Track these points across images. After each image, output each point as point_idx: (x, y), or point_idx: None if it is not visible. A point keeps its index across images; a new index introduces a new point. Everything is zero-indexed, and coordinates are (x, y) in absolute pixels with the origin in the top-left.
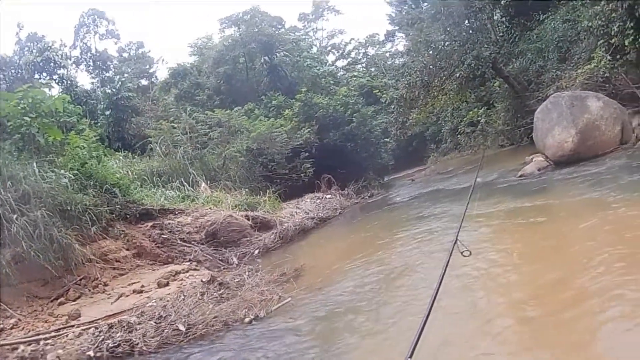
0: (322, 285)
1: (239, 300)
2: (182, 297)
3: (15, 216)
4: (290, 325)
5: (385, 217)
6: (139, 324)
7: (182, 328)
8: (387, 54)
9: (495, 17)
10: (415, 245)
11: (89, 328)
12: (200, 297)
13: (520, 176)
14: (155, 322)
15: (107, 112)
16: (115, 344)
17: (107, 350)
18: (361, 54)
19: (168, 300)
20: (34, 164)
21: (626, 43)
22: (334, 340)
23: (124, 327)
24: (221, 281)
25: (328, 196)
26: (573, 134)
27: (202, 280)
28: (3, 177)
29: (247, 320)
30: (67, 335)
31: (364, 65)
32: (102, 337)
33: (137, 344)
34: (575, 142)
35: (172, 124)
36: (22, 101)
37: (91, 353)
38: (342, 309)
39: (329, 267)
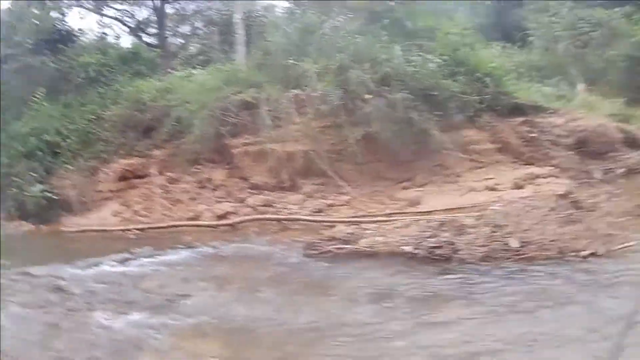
0: None
1: (585, 227)
2: (529, 208)
3: (370, 96)
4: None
5: None
6: (473, 227)
7: (514, 244)
8: None
9: None
10: None
11: (421, 220)
12: (547, 213)
13: None
14: (490, 230)
15: (488, 3)
16: (438, 245)
17: (426, 250)
18: None
19: (514, 207)
20: (398, 47)
21: None
22: None
23: (455, 227)
24: (575, 198)
25: None
26: None
27: (556, 193)
28: (362, 58)
29: (583, 254)
30: (394, 223)
31: None
32: (429, 233)
33: (461, 250)
34: None
35: (552, 18)
36: None
37: (408, 248)
38: None
39: None
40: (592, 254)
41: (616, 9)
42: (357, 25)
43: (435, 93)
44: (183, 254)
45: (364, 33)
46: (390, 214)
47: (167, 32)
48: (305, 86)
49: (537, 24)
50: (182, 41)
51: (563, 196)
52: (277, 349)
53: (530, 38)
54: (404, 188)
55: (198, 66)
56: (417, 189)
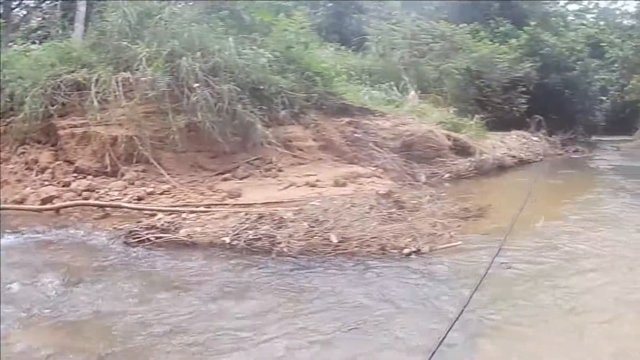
0: (502, 236)
1: (407, 226)
2: (349, 205)
3: (198, 85)
4: (443, 274)
5: (583, 183)
6: (292, 221)
7: (334, 239)
8: (617, 12)
9: None
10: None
11: (241, 212)
12: (367, 211)
13: None
14: (309, 225)
15: (330, 4)
16: (256, 237)
17: (245, 242)
18: (593, 4)
19: (334, 204)
20: (231, 39)
21: None
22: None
23: (275, 220)
24: (397, 198)
25: (535, 138)
26: None
27: (377, 192)
28: (194, 47)
29: (406, 251)
30: (214, 214)
31: (594, 16)
32: (247, 225)
33: (280, 243)
34: None
35: (393, 27)
36: None
37: (227, 239)
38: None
39: (511, 218)
40: (416, 252)
41: (462, 25)
42: (195, 13)
43: (263, 87)
44: (10, 238)
45: (201, 22)
46: (210, 204)
47: (14, 3)
48: (136, 70)
49: (377, 30)
50: (25, 13)
51: (384, 195)
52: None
53: (368, 43)
54: (225, 180)
55: (37, 41)
56: (238, 181)
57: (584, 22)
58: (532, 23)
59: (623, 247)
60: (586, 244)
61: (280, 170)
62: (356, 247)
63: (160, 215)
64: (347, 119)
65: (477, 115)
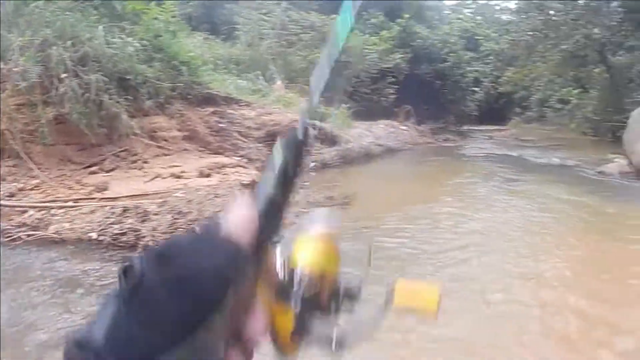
0: (366, 223)
1: None
2: (213, 196)
3: (66, 75)
4: None
5: (450, 170)
6: (156, 214)
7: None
8: (497, 8)
9: (612, 4)
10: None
11: (107, 206)
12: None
13: (600, 172)
14: (172, 217)
15: None
16: (122, 232)
17: (111, 237)
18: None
19: (198, 195)
20: (101, 27)
21: None
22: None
23: (139, 214)
24: None
25: (403, 128)
26: None
27: (241, 182)
28: (66, 35)
29: None
30: (81, 209)
31: (471, 11)
32: (112, 220)
33: (145, 237)
34: None
35: (263, 17)
36: None
37: (94, 235)
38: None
39: (379, 205)
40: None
41: (333, 16)
42: (69, 1)
43: (129, 77)
44: None
45: (75, 10)
46: (78, 199)
47: None
48: (9, 60)
49: (247, 20)
50: None
51: (247, 185)
52: None
53: (237, 32)
54: (92, 173)
55: None
56: (105, 174)
57: (461, 16)
58: (406, 15)
59: (494, 224)
60: (463, 224)
61: (145, 162)
62: None
63: (31, 212)
64: (212, 109)
65: (344, 105)
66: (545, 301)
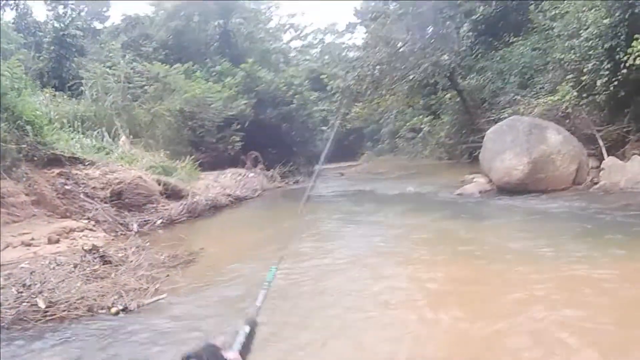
0: (212, 281)
1: (113, 282)
2: (55, 265)
3: None
4: (147, 333)
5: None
6: (3, 287)
7: (41, 305)
8: (343, 46)
9: (462, 29)
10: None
11: None
12: (72, 270)
13: (458, 194)
14: (17, 290)
15: (52, 48)
16: None
17: None
18: (317, 40)
19: (41, 265)
20: None
21: (598, 83)
22: None
23: None
24: (103, 253)
25: (251, 174)
26: (525, 162)
27: (83, 248)
28: None
29: (114, 310)
30: None
31: (318, 51)
32: None
33: None
34: (526, 172)
35: (107, 69)
36: None
37: None
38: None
39: (226, 259)
40: (124, 309)
41: (177, 65)
42: None
43: None
44: None
45: None
46: None
47: None
48: None
49: (91, 74)
50: None
51: (89, 251)
52: None
53: (83, 88)
54: None
55: None
56: None
57: (307, 57)
58: (249, 60)
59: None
60: (315, 258)
61: None
62: (64, 310)
63: None
64: (58, 170)
65: (190, 157)
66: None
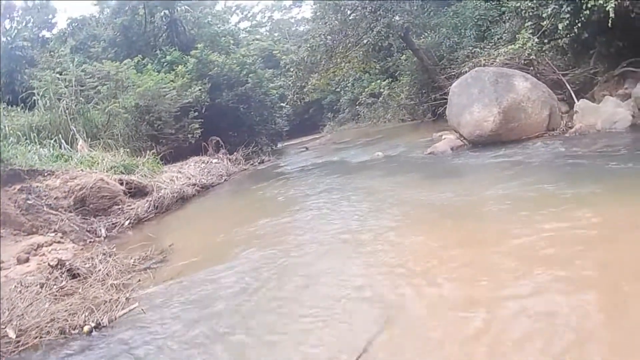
0: (186, 279)
1: (82, 297)
2: (21, 288)
3: None
4: (120, 350)
5: (270, 191)
6: None
7: (11, 335)
8: (292, 20)
9: None
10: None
11: None
12: (39, 291)
13: (430, 154)
14: None
15: (2, 63)
16: None
17: None
18: (266, 18)
19: (6, 292)
20: None
21: (560, 27)
22: None
23: None
24: (70, 266)
25: (214, 160)
26: (495, 113)
27: (49, 264)
28: None
29: (86, 329)
30: None
31: (268, 29)
32: None
33: None
34: (497, 123)
35: (57, 75)
36: None
37: None
38: (196, 332)
39: (199, 251)
40: (97, 327)
41: (126, 61)
42: None
43: None
44: None
45: None
46: None
47: None
48: None
49: (42, 82)
50: None
51: (55, 267)
52: None
53: (35, 97)
54: None
55: None
56: None
57: (257, 36)
58: (199, 46)
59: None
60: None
61: None
62: (36, 337)
63: None
64: (19, 185)
65: (150, 152)
66: None
